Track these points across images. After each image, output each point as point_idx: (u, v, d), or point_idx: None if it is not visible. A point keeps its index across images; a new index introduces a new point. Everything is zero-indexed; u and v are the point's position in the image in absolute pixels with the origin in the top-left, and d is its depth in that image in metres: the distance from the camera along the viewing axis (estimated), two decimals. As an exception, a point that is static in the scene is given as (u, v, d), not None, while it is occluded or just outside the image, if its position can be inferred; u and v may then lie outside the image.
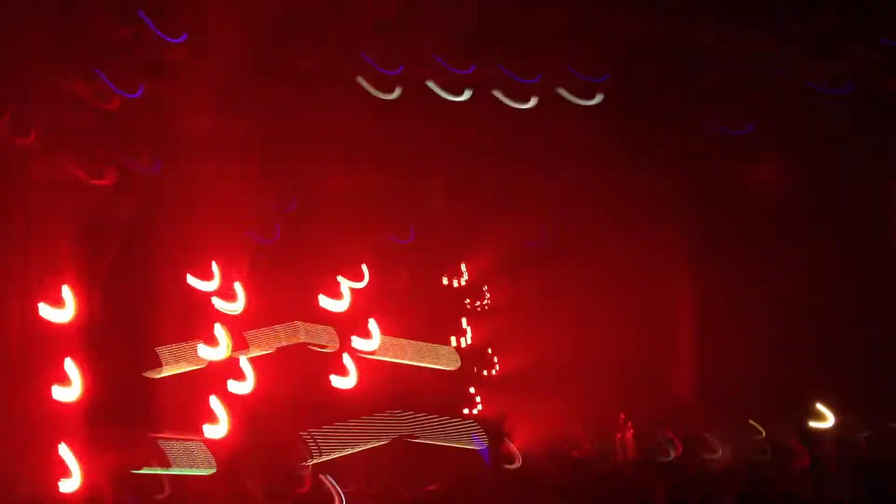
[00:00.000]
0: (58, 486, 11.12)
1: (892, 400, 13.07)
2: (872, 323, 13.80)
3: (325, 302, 13.53)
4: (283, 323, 13.22)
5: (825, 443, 13.02)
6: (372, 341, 13.76)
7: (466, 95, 12.90)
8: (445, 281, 15.25)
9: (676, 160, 14.35)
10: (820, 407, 13.68)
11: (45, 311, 11.21)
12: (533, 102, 13.28)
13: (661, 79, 13.49)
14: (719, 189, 14.66)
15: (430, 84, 12.53)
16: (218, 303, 12.60)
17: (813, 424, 13.73)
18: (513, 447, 14.47)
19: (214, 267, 12.61)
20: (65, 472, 11.16)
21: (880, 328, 13.73)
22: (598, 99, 13.39)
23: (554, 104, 13.43)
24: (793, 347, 14.17)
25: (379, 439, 13.72)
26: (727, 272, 14.67)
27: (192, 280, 12.32)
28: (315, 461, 13.12)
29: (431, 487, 12.49)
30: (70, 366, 11.25)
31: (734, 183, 14.58)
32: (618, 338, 14.87)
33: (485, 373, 15.75)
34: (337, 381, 13.38)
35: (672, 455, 13.46)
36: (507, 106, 13.32)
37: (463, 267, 15.51)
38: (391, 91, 12.35)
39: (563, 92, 13.07)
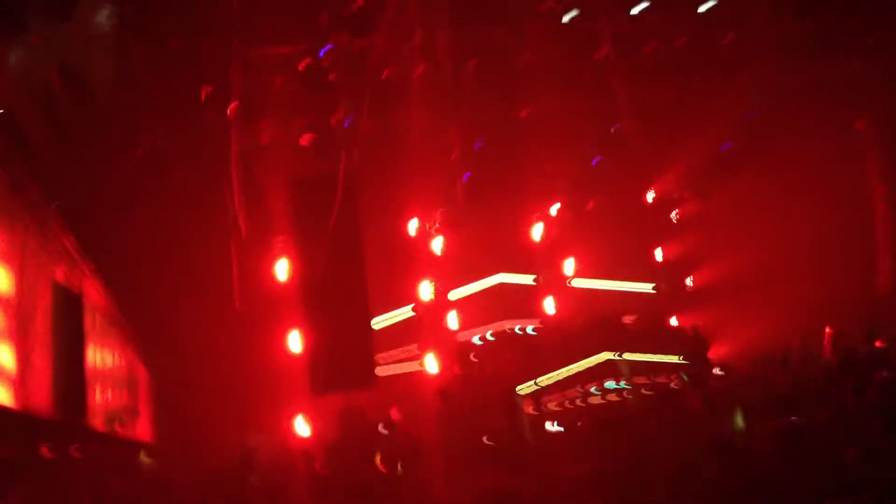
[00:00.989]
0: (289, 429, 11.71)
1: None
2: None
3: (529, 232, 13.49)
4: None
5: None
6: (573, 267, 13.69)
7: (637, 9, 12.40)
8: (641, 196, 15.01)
9: (870, 50, 13.36)
10: None
11: (270, 269, 11.69)
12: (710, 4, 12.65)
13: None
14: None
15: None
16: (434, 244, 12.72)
17: None
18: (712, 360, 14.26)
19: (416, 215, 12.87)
20: (294, 416, 11.75)
21: None
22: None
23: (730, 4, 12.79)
24: None
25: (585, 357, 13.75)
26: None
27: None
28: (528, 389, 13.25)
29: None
30: (295, 320, 11.72)
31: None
32: (817, 239, 14.21)
33: (686, 284, 15.53)
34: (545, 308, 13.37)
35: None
36: (682, 13, 12.78)
37: (653, 182, 15.23)
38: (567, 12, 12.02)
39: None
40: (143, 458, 10.75)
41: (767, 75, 13.45)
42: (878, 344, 12.27)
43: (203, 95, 10.57)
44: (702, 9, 12.65)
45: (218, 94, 10.59)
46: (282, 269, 11.70)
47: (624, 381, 13.81)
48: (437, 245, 13.27)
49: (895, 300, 14.06)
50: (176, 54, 10.24)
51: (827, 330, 13.34)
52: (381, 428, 11.51)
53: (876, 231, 14.72)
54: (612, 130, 13.48)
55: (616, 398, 13.73)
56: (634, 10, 12.37)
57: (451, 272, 13.19)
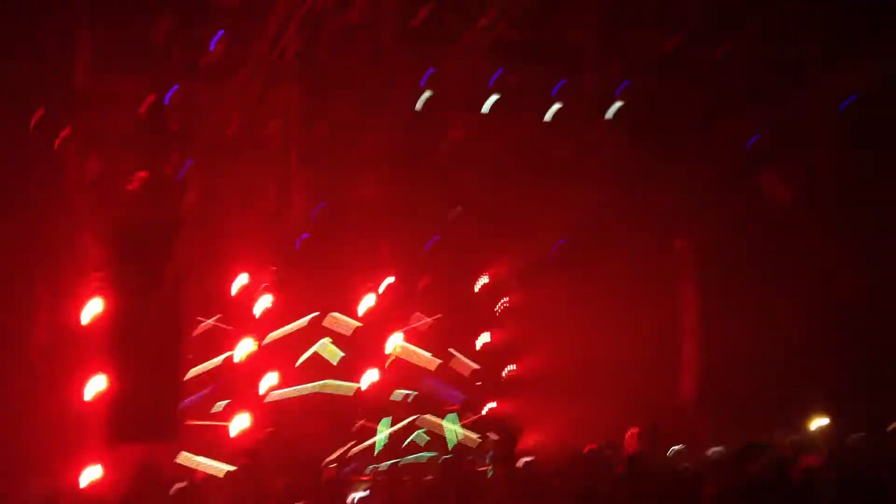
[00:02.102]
0: (80, 480, 10.97)
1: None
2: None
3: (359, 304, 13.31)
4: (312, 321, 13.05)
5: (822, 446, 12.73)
6: (395, 343, 13.58)
7: (488, 107, 12.71)
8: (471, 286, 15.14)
9: (691, 172, 14.12)
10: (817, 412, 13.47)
11: (77, 311, 11.01)
12: (551, 114, 13.08)
13: (677, 91, 13.29)
14: (732, 199, 14.41)
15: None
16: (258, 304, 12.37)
17: (814, 427, 13.51)
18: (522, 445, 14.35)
19: (244, 271, 12.49)
20: (87, 465, 11.01)
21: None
22: (613, 111, 13.19)
23: (571, 117, 13.27)
24: (797, 355, 14.01)
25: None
26: (737, 281, 14.62)
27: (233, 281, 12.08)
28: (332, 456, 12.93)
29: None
30: (98, 365, 11.05)
31: (747, 193, 14.38)
32: (630, 344, 14.71)
33: (503, 374, 15.68)
34: (363, 380, 13.17)
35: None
36: (526, 118, 13.17)
37: (483, 274, 15.46)
38: (416, 102, 12.16)
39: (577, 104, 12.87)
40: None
41: (599, 190, 14.13)
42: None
43: (34, 118, 10.03)
44: (547, 117, 13.10)
45: (50, 119, 10.06)
46: (90, 311, 11.08)
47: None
48: (262, 304, 12.93)
49: (693, 414, 14.67)
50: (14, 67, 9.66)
51: (629, 432, 13.76)
52: (176, 486, 10.93)
53: (683, 345, 15.38)
54: (449, 216, 13.64)
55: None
56: (485, 108, 12.67)
57: (271, 332, 12.86)
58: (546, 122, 12.81)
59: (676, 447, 12.18)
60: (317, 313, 13.09)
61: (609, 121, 12.59)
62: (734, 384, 13.97)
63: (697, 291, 15.07)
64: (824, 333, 13.84)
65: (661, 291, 14.88)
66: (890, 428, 12.08)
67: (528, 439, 14.77)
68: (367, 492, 11.72)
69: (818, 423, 13.44)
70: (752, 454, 10.29)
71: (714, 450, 11.98)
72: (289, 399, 13.23)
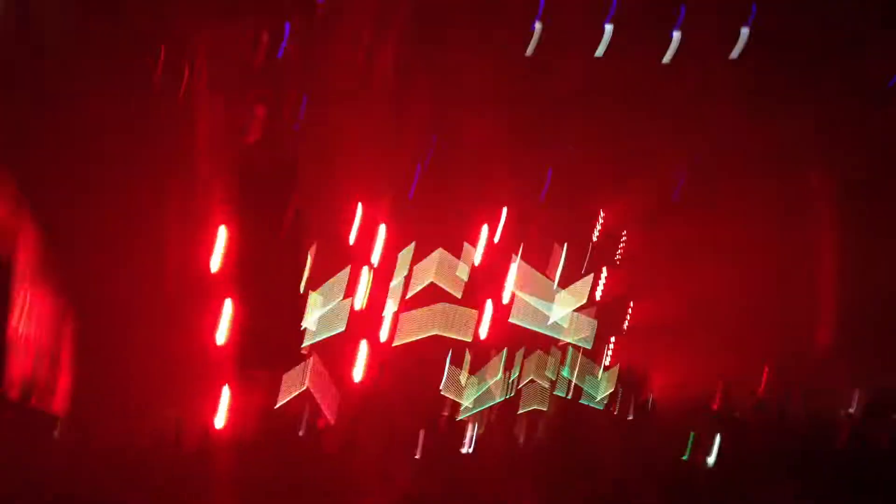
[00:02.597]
0: (205, 423, 11.38)
1: None
2: None
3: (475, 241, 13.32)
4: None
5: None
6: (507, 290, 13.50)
7: (603, 47, 12.41)
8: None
9: (822, 108, 13.46)
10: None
11: (204, 248, 11.37)
12: (671, 53, 12.68)
13: (804, 27, 12.68)
14: (866, 136, 13.71)
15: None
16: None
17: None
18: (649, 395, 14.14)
19: (358, 212, 12.60)
20: (213, 409, 11.43)
21: None
22: (739, 48, 12.68)
23: (694, 54, 12.83)
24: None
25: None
26: (867, 222, 13.89)
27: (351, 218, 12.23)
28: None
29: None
30: (224, 308, 11.42)
31: (882, 132, 13.63)
32: (751, 289, 14.23)
33: (622, 322, 15.42)
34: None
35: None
36: (645, 57, 12.81)
37: (600, 215, 15.14)
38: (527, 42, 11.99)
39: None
40: (61, 430, 10.44)
41: (723, 126, 13.61)
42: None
43: (158, 67, 10.34)
44: (666, 59, 12.71)
45: (171, 63, 10.36)
46: (217, 251, 11.42)
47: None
48: (380, 240, 12.99)
49: (826, 357, 14.09)
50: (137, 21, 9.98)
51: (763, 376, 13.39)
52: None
53: (817, 286, 14.75)
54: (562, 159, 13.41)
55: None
56: (599, 52, 12.40)
57: (391, 270, 12.94)
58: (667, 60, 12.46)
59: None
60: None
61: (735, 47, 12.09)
62: (873, 327, 13.42)
63: (832, 229, 14.44)
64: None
65: (789, 231, 14.35)
66: None
67: (651, 384, 14.56)
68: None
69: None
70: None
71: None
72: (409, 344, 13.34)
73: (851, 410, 12.23)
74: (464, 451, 11.79)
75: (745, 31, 12.04)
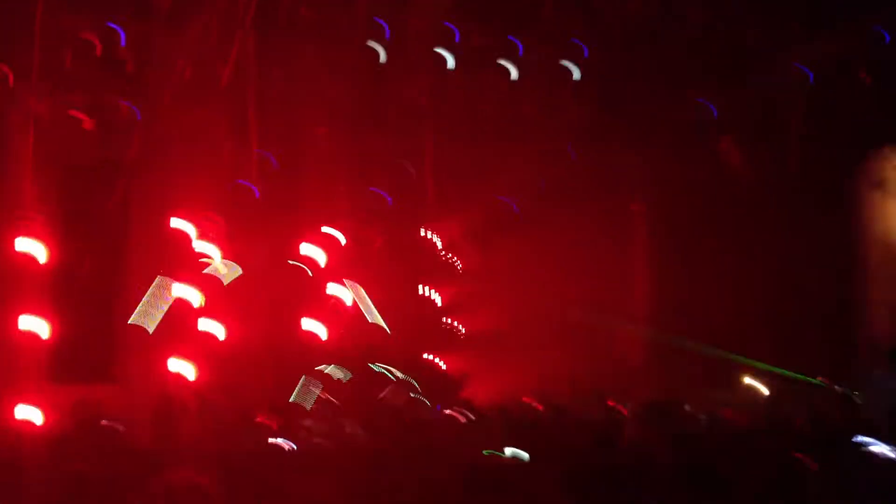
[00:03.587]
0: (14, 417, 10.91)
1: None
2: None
3: (305, 250, 13.23)
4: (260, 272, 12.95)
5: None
6: (347, 293, 13.53)
7: (451, 63, 12.57)
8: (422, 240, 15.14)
9: (656, 140, 14.19)
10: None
11: (23, 247, 10.82)
12: (516, 74, 13.00)
13: (646, 60, 13.29)
14: (690, 164, 14.57)
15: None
16: (199, 247, 12.21)
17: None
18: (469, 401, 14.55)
19: (193, 215, 12.30)
20: (23, 403, 10.94)
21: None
22: (577, 75, 13.16)
23: (538, 78, 13.21)
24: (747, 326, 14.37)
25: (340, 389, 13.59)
26: (683, 252, 14.87)
27: (174, 224, 11.91)
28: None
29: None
30: (42, 304, 10.94)
31: (711, 167, 14.55)
32: (577, 306, 14.94)
33: (454, 330, 15.82)
34: (311, 328, 13.14)
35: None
36: (491, 76, 13.08)
37: (437, 231, 15.45)
38: (380, 53, 11.97)
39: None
40: None
41: (560, 151, 14.16)
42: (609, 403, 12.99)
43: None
44: (513, 76, 13.00)
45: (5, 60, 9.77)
46: (34, 251, 10.90)
47: None
48: (206, 250, 12.77)
49: (634, 373, 14.99)
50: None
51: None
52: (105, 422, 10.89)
53: (633, 307, 15.65)
54: (410, 171, 13.56)
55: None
56: (449, 64, 12.54)
57: (216, 280, 12.72)
58: (507, 81, 12.76)
59: None
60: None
61: (571, 82, 12.56)
62: (682, 342, 14.40)
63: (649, 254, 15.39)
64: (767, 300, 14.33)
65: (613, 254, 15.18)
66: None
67: (472, 392, 15.03)
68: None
69: (749, 381, 13.97)
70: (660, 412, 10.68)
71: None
72: (232, 348, 13.19)
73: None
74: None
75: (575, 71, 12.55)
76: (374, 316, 13.73)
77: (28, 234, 10.62)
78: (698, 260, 14.90)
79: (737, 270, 14.85)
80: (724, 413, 12.11)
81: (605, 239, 15.09)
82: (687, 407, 12.54)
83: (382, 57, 12.07)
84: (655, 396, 12.90)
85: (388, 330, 13.73)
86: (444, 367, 15.55)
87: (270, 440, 10.72)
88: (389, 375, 13.89)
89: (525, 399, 13.48)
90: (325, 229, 13.03)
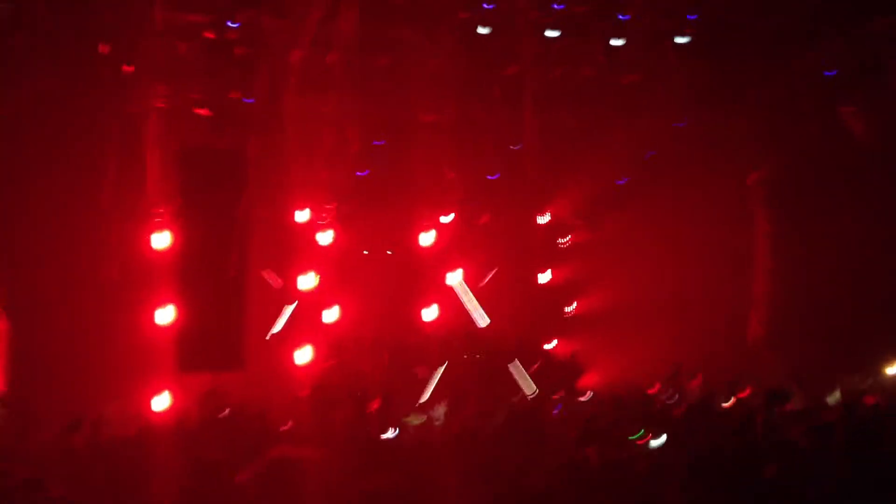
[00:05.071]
0: (150, 406, 11.41)
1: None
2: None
3: (419, 238, 13.46)
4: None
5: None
6: (459, 277, 13.66)
7: (555, 32, 12.53)
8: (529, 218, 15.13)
9: (767, 105, 13.84)
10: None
11: (147, 240, 11.32)
12: (621, 41, 12.87)
13: (751, 21, 12.98)
14: (805, 135, 14.15)
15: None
16: (318, 236, 12.55)
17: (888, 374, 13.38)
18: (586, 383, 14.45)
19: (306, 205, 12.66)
20: (157, 392, 11.45)
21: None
22: (686, 39, 12.92)
23: (641, 44, 13.04)
24: (868, 301, 13.84)
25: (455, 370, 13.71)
26: (804, 222, 14.41)
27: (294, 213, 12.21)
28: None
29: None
30: (167, 294, 11.39)
31: (821, 130, 14.07)
32: (698, 282, 14.60)
33: (566, 310, 15.73)
34: (424, 314, 13.31)
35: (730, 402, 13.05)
36: (595, 45, 12.98)
37: (547, 204, 15.42)
38: (482, 26, 12.04)
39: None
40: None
41: (667, 120, 13.94)
42: (741, 394, 12.63)
43: (100, 49, 10.20)
44: (614, 42, 12.85)
45: (115, 50, 10.24)
46: (159, 241, 11.37)
47: None
48: (325, 238, 13.10)
49: (760, 352, 14.59)
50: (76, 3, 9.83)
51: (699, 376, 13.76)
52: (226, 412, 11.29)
53: (752, 283, 15.23)
54: (514, 147, 13.57)
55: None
56: (550, 33, 12.49)
57: (335, 267, 13.02)
58: (612, 50, 12.62)
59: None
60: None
61: (679, 48, 12.34)
62: (806, 322, 13.94)
63: (770, 225, 14.91)
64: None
65: (730, 226, 14.75)
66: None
67: (590, 378, 14.90)
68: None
69: (889, 366, 13.39)
70: (777, 401, 10.37)
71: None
72: (346, 334, 13.46)
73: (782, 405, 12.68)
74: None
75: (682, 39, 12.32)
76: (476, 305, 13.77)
77: (155, 226, 11.13)
78: (819, 233, 14.37)
79: (860, 245, 14.24)
80: (863, 399, 11.70)
81: (719, 212, 14.70)
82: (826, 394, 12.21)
83: (484, 30, 12.11)
84: (782, 381, 12.64)
85: (486, 319, 13.75)
86: (557, 350, 15.48)
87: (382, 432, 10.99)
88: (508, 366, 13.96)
89: (651, 390, 13.40)
90: (433, 212, 13.26)
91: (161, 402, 11.26)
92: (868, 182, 13.95)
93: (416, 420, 12.07)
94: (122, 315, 11.44)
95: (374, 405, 11.51)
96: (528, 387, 13.47)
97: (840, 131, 13.86)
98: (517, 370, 13.63)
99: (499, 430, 11.33)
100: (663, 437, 10.08)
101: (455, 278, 13.53)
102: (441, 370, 13.42)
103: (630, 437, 10.00)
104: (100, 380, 11.35)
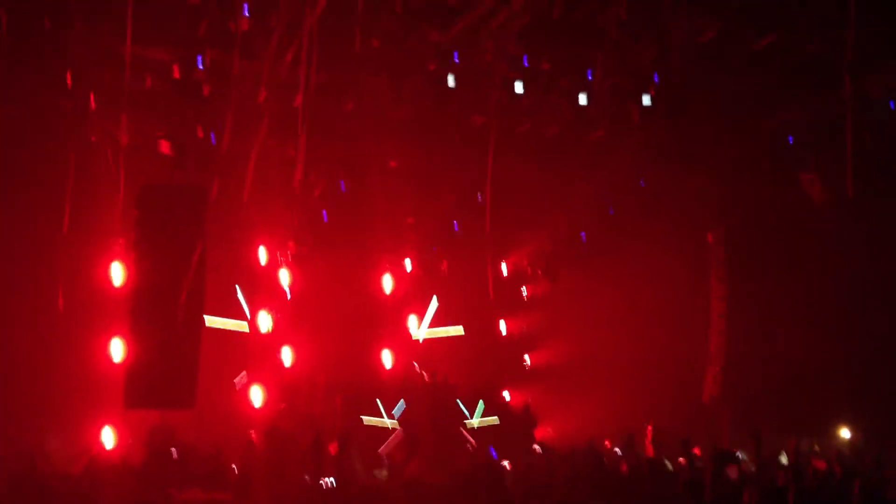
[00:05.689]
0: (98, 443, 11.28)
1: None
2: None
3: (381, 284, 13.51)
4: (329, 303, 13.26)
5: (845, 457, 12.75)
6: (421, 326, 13.75)
7: (520, 87, 12.74)
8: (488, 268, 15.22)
9: (723, 165, 14.16)
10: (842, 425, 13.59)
11: (102, 274, 11.29)
12: (583, 100, 13.12)
13: (713, 83, 13.31)
14: (763, 197, 14.48)
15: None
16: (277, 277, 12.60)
17: (838, 437, 13.58)
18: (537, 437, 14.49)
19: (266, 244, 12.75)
20: (105, 426, 11.32)
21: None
22: (647, 100, 13.20)
23: (605, 102, 13.29)
24: (821, 360, 14.07)
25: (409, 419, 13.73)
26: (760, 282, 14.68)
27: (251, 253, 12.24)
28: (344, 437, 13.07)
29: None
30: (120, 329, 11.35)
31: (779, 193, 14.40)
32: (654, 338, 14.81)
33: (522, 363, 15.81)
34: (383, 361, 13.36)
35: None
36: (559, 101, 13.22)
37: (504, 260, 15.59)
38: (445, 78, 12.24)
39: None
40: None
41: (629, 177, 14.23)
42: (695, 451, 12.75)
43: (66, 81, 10.27)
44: (581, 101, 13.11)
45: (80, 81, 10.30)
46: (113, 273, 11.36)
47: None
48: (283, 277, 13.16)
49: (714, 411, 14.73)
50: (42, 35, 9.90)
51: (648, 428, 13.84)
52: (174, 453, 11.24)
53: (708, 342, 15.42)
54: (477, 197, 13.73)
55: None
56: (518, 88, 12.72)
57: (292, 307, 13.07)
58: (577, 106, 12.85)
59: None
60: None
61: (642, 107, 12.60)
62: (758, 384, 14.12)
63: (726, 284, 15.15)
64: (854, 338, 13.97)
65: (687, 284, 15.02)
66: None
67: (543, 430, 14.95)
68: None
69: (838, 430, 13.62)
70: (724, 461, 10.51)
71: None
72: (300, 377, 13.46)
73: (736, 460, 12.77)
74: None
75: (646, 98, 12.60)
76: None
77: (110, 259, 11.12)
78: (776, 293, 14.62)
79: (816, 306, 14.51)
80: (815, 463, 11.82)
81: (676, 269, 14.96)
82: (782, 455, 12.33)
83: (451, 82, 12.30)
84: (733, 441, 12.75)
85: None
86: (511, 401, 15.53)
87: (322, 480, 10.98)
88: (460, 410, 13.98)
89: (606, 443, 13.47)
90: (392, 257, 13.37)
91: (108, 436, 11.18)
92: (824, 245, 14.35)
93: (381, 475, 12.09)
94: (73, 347, 11.36)
95: (332, 449, 11.49)
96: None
97: (797, 194, 14.21)
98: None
99: (452, 481, 11.38)
100: None
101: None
102: (395, 418, 13.45)
103: None
104: (48, 412, 11.23)
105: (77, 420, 11.40)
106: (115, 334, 11.33)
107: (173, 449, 11.40)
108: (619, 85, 12.65)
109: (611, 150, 13.58)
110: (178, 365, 11.19)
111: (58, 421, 11.36)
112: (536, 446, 13.60)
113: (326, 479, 10.99)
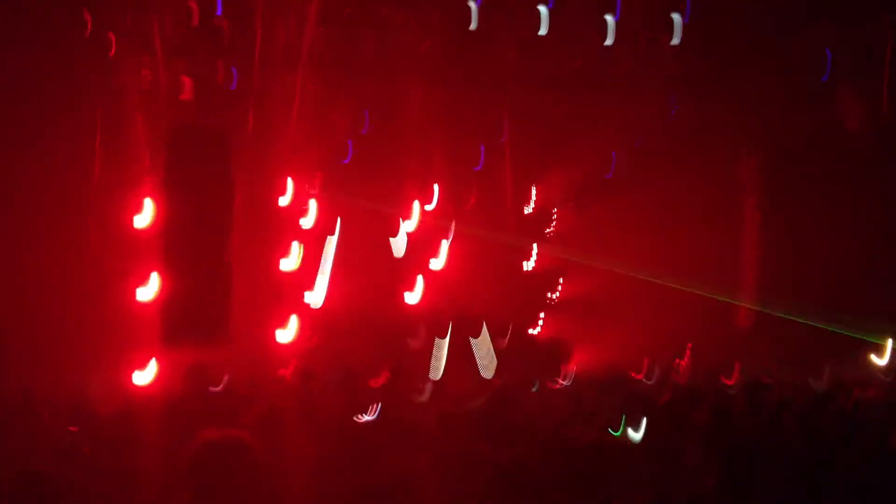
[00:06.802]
0: (132, 379, 11.68)
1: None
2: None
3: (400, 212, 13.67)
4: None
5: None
6: (440, 260, 13.87)
7: (544, 26, 12.67)
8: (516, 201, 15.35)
9: (758, 98, 14.02)
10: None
11: (131, 214, 11.54)
12: (611, 37, 13.02)
13: (745, 12, 13.12)
14: (801, 129, 14.36)
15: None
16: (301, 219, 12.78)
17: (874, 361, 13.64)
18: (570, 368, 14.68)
19: (289, 182, 12.89)
20: (139, 365, 11.69)
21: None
22: (677, 37, 13.08)
23: (635, 37, 13.20)
24: (863, 290, 14.08)
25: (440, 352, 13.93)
26: (794, 209, 14.62)
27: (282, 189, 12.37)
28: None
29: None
30: (151, 268, 11.64)
31: (817, 126, 14.28)
32: (684, 270, 14.89)
33: (549, 296, 15.96)
34: (407, 297, 13.54)
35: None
36: (586, 37, 13.13)
37: (533, 192, 15.63)
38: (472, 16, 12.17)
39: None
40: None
41: (656, 109, 14.13)
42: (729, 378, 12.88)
43: (85, 22, 10.36)
44: (607, 42, 13.02)
45: (101, 25, 10.40)
46: (143, 214, 11.59)
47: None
48: (310, 211, 13.30)
49: (751, 336, 14.85)
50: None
51: (686, 353, 13.99)
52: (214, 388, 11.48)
53: (741, 271, 15.46)
54: (503, 131, 13.76)
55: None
56: (542, 28, 12.65)
57: (319, 240, 13.23)
58: (603, 38, 12.75)
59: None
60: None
61: (674, 33, 12.49)
62: (794, 309, 14.18)
63: (759, 213, 15.13)
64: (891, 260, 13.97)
65: (721, 212, 15.01)
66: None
67: (574, 360, 15.12)
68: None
69: (879, 355, 13.66)
70: (757, 392, 10.60)
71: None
72: (336, 311, 13.68)
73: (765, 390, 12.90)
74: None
75: (677, 19, 12.43)
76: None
77: (139, 198, 11.34)
78: (810, 221, 14.58)
79: (852, 234, 14.47)
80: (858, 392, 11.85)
81: (705, 199, 14.92)
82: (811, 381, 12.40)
83: (474, 21, 12.25)
84: (763, 370, 12.86)
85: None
86: (541, 335, 15.72)
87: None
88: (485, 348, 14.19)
89: (633, 374, 13.60)
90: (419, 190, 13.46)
91: (143, 375, 11.51)
92: (860, 170, 14.23)
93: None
94: (106, 287, 11.65)
95: (380, 380, 11.67)
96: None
97: (834, 122, 14.07)
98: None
99: (482, 414, 11.59)
100: (641, 432, 10.30)
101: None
102: (445, 342, 13.68)
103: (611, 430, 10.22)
104: (82, 353, 11.58)
105: (113, 360, 11.72)
106: (147, 273, 11.58)
107: (221, 384, 11.65)
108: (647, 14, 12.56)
109: (637, 82, 13.46)
110: (210, 303, 11.45)
111: (95, 361, 11.68)
112: (568, 377, 13.78)
113: (363, 414, 11.20)
